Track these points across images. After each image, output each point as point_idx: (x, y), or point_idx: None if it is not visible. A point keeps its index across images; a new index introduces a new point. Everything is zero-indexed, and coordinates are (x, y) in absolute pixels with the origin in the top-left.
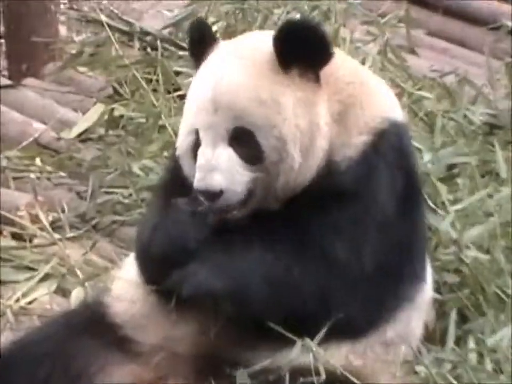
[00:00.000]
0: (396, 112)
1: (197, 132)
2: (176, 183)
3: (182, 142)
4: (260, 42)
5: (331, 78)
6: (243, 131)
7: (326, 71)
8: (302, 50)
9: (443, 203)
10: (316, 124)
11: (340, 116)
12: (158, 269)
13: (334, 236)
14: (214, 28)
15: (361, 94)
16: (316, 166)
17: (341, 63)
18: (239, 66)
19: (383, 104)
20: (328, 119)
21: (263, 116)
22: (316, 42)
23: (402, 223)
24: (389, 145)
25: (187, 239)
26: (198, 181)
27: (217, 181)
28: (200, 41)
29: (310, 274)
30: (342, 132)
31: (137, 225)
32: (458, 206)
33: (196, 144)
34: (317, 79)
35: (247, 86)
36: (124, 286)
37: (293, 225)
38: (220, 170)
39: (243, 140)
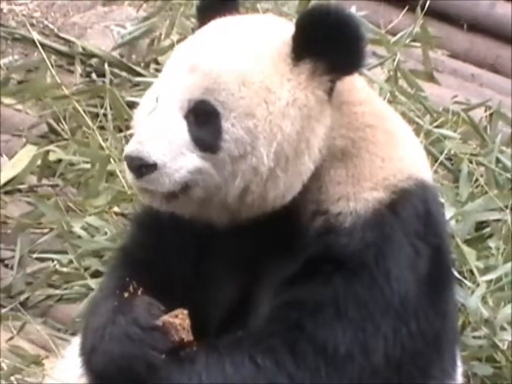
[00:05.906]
0: (424, 171)
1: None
2: (140, 254)
3: (139, 111)
4: (279, 23)
5: (344, 104)
6: (208, 108)
7: (341, 92)
8: (327, 44)
9: (471, 272)
10: (306, 139)
11: (343, 155)
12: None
13: (334, 321)
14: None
15: (383, 142)
16: (296, 188)
17: (361, 93)
18: (241, 38)
19: (409, 159)
20: (322, 146)
21: (240, 99)
22: (348, 40)
23: (426, 309)
24: (412, 210)
25: (137, 364)
26: (131, 145)
27: (154, 151)
28: (208, 7)
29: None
30: (345, 178)
31: (84, 309)
32: (491, 276)
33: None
34: (330, 90)
35: (238, 58)
36: None
37: (275, 302)
38: (162, 141)
39: (203, 118)
